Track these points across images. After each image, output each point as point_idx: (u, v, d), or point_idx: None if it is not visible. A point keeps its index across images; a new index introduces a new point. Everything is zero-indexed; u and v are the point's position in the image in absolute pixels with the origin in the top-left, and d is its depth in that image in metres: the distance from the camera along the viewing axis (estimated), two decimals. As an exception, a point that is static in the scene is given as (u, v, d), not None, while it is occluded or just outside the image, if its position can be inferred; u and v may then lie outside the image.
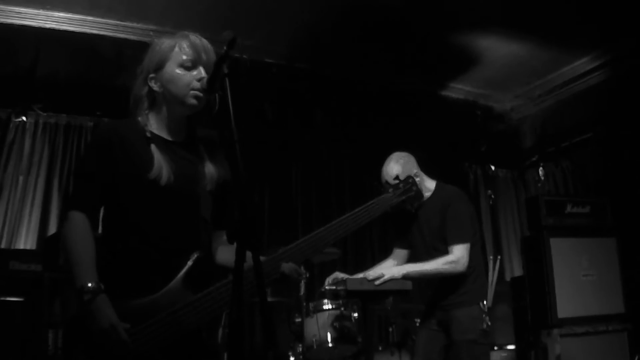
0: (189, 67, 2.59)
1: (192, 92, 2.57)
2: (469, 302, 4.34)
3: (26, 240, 6.21)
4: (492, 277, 5.87)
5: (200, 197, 2.63)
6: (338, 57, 7.45)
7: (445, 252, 4.38)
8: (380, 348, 5.55)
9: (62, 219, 2.55)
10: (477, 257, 4.50)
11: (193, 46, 2.60)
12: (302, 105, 7.52)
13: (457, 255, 4.31)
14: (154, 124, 2.66)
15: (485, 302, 4.38)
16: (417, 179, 4.39)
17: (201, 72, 2.57)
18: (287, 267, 2.53)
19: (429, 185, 4.67)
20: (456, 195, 4.57)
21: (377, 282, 4.31)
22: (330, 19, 6.66)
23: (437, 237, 4.47)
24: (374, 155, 6.64)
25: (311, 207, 7.66)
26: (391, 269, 4.46)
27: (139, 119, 2.64)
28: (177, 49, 2.62)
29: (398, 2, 6.39)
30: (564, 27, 6.82)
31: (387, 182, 4.41)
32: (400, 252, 4.89)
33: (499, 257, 6.13)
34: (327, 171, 7.89)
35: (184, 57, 2.59)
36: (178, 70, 2.59)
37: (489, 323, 4.32)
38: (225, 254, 2.77)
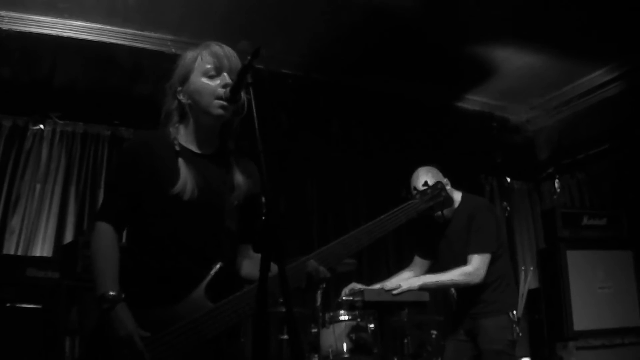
0: (212, 75, 2.59)
1: (216, 101, 2.56)
2: (497, 311, 4.33)
3: (42, 248, 6.23)
4: (523, 287, 5.84)
5: (225, 209, 2.63)
6: (354, 68, 7.46)
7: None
8: (395, 359, 5.52)
9: (91, 229, 2.57)
10: (505, 267, 4.50)
11: (215, 54, 2.61)
12: (318, 115, 7.53)
13: (474, 266, 4.30)
14: (184, 137, 2.67)
15: (515, 312, 4.35)
16: (447, 188, 4.39)
17: (225, 78, 2.57)
18: (311, 265, 2.50)
19: (456, 196, 4.66)
20: (483, 207, 4.58)
21: (394, 292, 4.31)
22: (347, 30, 6.68)
23: (466, 248, 4.45)
24: (389, 166, 6.65)
25: (326, 217, 7.65)
26: (408, 280, 4.47)
27: (170, 130, 2.66)
28: (199, 59, 2.63)
29: (414, 14, 6.39)
30: (581, 38, 6.80)
31: (415, 187, 4.40)
32: (420, 262, 4.88)
33: (531, 268, 6.09)
34: (342, 182, 7.88)
35: (207, 66, 2.60)
36: (203, 80, 2.60)
37: (520, 333, 4.29)
38: (249, 267, 2.77)
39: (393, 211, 2.83)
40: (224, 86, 2.56)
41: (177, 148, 2.61)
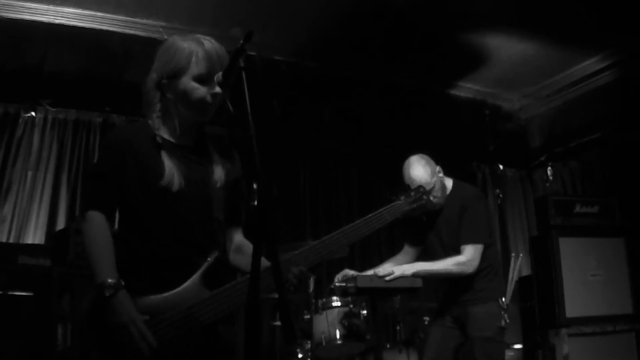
0: (204, 80, 2.58)
1: (205, 105, 2.59)
2: (486, 298, 4.34)
3: (34, 235, 6.23)
4: (512, 274, 5.86)
5: (213, 199, 2.65)
6: (347, 55, 7.44)
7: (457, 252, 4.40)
8: (388, 346, 5.53)
9: (81, 219, 2.56)
10: (494, 256, 4.53)
11: (208, 57, 2.58)
12: (310, 102, 7.52)
13: (468, 256, 4.31)
14: (165, 129, 2.67)
15: (503, 300, 4.36)
16: (439, 175, 4.53)
17: (215, 87, 2.57)
18: (293, 271, 2.54)
19: (447, 184, 4.66)
20: (475, 197, 4.59)
21: (387, 279, 4.32)
22: (340, 18, 6.65)
23: (455, 238, 4.47)
24: (381, 153, 6.66)
25: (318, 203, 7.67)
26: (401, 266, 4.46)
27: (150, 122, 2.65)
28: (193, 59, 2.58)
29: (407, 1, 6.37)
30: (574, 26, 6.80)
31: (409, 186, 4.42)
32: (410, 250, 4.89)
33: (520, 255, 6.13)
34: (334, 168, 7.90)
35: (201, 72, 2.58)
36: (193, 83, 2.58)
37: (508, 320, 4.29)
38: (238, 256, 2.81)
39: (379, 211, 2.97)
40: (213, 95, 2.57)
41: (159, 140, 2.61)
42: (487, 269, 4.39)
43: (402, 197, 3.14)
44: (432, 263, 4.46)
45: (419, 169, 4.52)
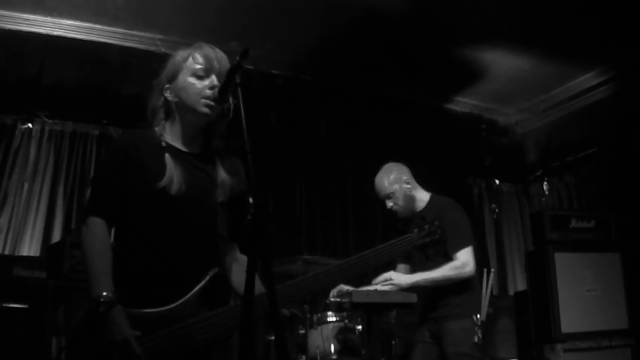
0: (201, 76, 2.61)
1: (203, 100, 2.58)
2: (461, 314, 4.37)
3: (30, 247, 6.19)
4: (485, 291, 5.88)
5: (215, 210, 2.64)
6: (344, 69, 7.47)
7: (443, 262, 4.41)
8: (383, 361, 5.52)
9: (81, 224, 2.56)
10: None
11: (206, 56, 2.63)
12: (307, 116, 7.52)
13: (462, 261, 4.37)
14: (170, 134, 2.68)
15: (478, 316, 4.40)
16: (404, 186, 4.61)
17: (213, 80, 2.59)
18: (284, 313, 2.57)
19: (422, 196, 4.75)
20: (449, 206, 4.62)
21: (380, 286, 4.35)
22: (336, 32, 6.68)
23: (431, 251, 4.43)
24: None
25: (314, 217, 7.64)
26: (400, 275, 4.50)
27: (156, 129, 2.66)
28: (190, 59, 2.64)
29: (404, 16, 6.40)
30: (570, 41, 6.83)
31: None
32: (403, 266, 4.89)
33: (492, 270, 6.16)
34: (330, 181, 7.88)
35: (197, 67, 2.61)
36: (190, 79, 2.61)
37: (480, 336, 4.32)
38: (238, 276, 2.73)
39: (390, 243, 2.90)
40: (212, 87, 2.57)
41: (164, 144, 2.62)
42: (462, 284, 4.40)
43: (416, 230, 3.10)
44: (430, 272, 4.45)
45: (380, 176, 4.71)
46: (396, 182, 4.66)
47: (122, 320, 2.34)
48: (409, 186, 4.69)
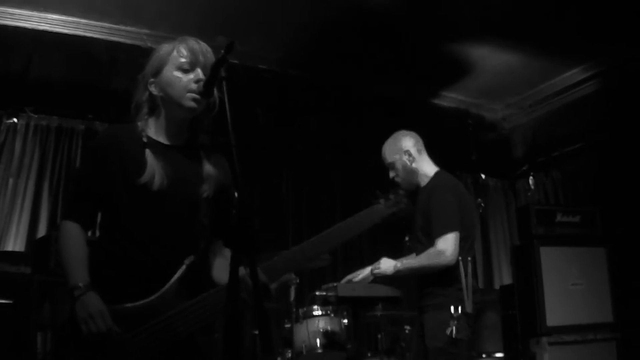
0: (186, 69, 2.59)
1: (189, 94, 2.56)
2: (439, 305, 4.07)
3: (15, 242, 6.17)
4: (464, 280, 5.80)
5: (199, 202, 2.63)
6: (331, 64, 7.46)
7: (427, 245, 4.19)
8: (369, 355, 5.53)
9: (57, 227, 2.58)
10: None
11: (191, 49, 2.61)
12: (294, 111, 7.51)
13: (440, 248, 4.07)
14: (153, 129, 2.67)
15: (460, 308, 3.94)
16: (406, 157, 4.44)
17: (199, 74, 2.57)
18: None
19: (428, 171, 4.48)
20: (442, 186, 4.33)
21: (356, 279, 4.31)
22: (324, 27, 6.68)
23: (419, 228, 4.33)
24: (364, 162, 6.66)
25: (302, 211, 7.66)
26: (385, 263, 4.33)
27: (138, 124, 2.65)
28: (175, 52, 2.62)
29: (392, 11, 6.41)
30: (557, 37, 6.85)
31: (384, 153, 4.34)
32: (387, 261, 4.77)
33: (469, 258, 6.07)
34: (317, 176, 7.89)
35: (182, 60, 2.59)
36: (176, 73, 2.59)
37: (459, 330, 3.87)
38: (221, 269, 2.69)
39: (358, 214, 2.78)
40: (197, 81, 2.55)
41: (145, 139, 2.61)
42: (445, 273, 4.10)
43: (382, 200, 2.97)
44: (411, 259, 4.34)
45: (386, 143, 4.56)
46: (397, 153, 4.46)
47: (96, 299, 2.38)
48: (410, 158, 4.46)
